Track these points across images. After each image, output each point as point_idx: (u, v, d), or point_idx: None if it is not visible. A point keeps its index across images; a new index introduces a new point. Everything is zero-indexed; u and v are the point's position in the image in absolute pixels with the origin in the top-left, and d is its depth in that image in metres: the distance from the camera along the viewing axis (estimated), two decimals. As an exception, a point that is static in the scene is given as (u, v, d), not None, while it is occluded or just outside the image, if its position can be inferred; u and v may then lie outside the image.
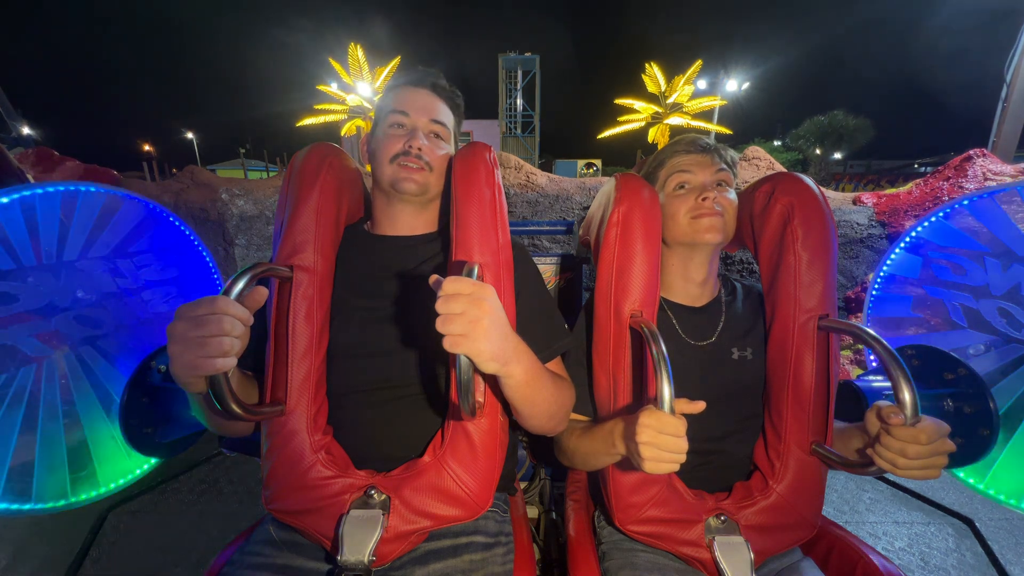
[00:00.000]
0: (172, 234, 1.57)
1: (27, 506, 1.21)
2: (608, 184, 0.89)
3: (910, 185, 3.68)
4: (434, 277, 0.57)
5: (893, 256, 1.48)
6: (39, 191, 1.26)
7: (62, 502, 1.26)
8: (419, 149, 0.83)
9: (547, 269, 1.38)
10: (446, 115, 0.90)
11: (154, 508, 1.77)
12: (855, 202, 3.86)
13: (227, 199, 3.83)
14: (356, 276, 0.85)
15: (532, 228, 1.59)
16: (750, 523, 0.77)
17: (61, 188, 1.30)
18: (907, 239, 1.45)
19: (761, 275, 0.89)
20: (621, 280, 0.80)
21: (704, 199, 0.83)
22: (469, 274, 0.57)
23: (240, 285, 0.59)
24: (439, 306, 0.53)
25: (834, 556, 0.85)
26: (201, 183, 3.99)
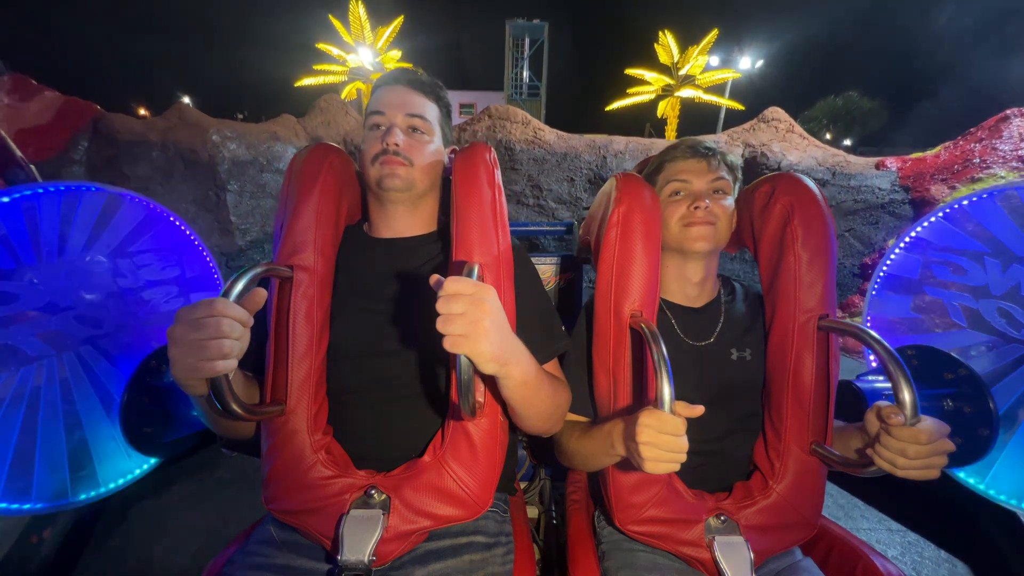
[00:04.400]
0: (173, 234, 1.57)
1: (27, 505, 1.22)
2: (608, 184, 0.89)
3: (939, 148, 3.44)
4: (435, 277, 0.57)
5: (893, 256, 1.48)
6: (40, 191, 1.26)
7: (62, 502, 1.26)
8: (396, 145, 0.82)
9: (547, 269, 1.38)
10: (425, 108, 0.88)
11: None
12: (878, 167, 3.66)
13: (218, 141, 3.62)
14: (356, 276, 0.85)
15: (532, 228, 1.59)
16: (750, 523, 0.77)
17: (63, 188, 1.30)
18: (907, 239, 1.45)
19: (761, 275, 0.89)
20: (621, 280, 0.80)
21: (696, 208, 0.84)
22: (469, 274, 0.57)
23: (239, 286, 0.59)
24: (440, 306, 0.54)
25: (834, 556, 0.85)
26: (190, 122, 3.74)
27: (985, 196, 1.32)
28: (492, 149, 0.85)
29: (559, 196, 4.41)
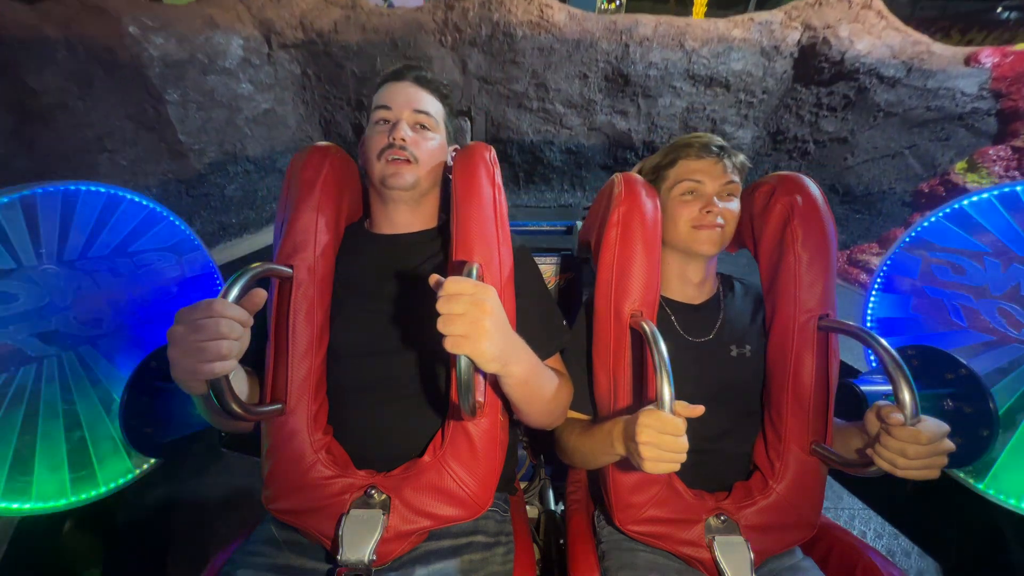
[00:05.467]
0: (173, 234, 1.57)
1: (27, 505, 1.21)
2: (609, 184, 0.89)
3: (1053, 35, 2.54)
4: (435, 277, 0.57)
5: (893, 256, 1.48)
6: (39, 190, 1.26)
7: (62, 502, 1.26)
8: (402, 140, 0.82)
9: (547, 269, 1.38)
10: (431, 104, 0.88)
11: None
12: (968, 61, 2.82)
13: (139, 35, 2.71)
14: (356, 275, 0.85)
15: (532, 228, 1.59)
16: (750, 523, 0.77)
17: (62, 187, 1.30)
18: (907, 239, 1.46)
19: (761, 275, 0.89)
20: (621, 280, 0.80)
21: (708, 211, 0.83)
22: (469, 274, 0.57)
23: (239, 287, 0.59)
24: (440, 306, 0.54)
25: (834, 556, 0.85)
26: (94, 7, 2.72)
27: (985, 196, 1.32)
28: (492, 149, 0.86)
29: (568, 98, 3.50)
